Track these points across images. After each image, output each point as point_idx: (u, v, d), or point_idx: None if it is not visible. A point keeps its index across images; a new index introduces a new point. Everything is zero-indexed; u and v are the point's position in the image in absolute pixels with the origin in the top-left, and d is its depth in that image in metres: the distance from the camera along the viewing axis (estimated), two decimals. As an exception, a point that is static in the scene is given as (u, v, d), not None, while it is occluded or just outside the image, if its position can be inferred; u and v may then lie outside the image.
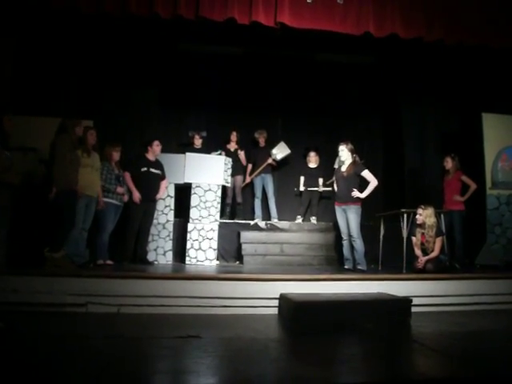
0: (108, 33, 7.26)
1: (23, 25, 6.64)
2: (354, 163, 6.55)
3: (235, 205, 8.69)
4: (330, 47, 7.82)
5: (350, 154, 6.52)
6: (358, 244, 6.28)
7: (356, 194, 6.29)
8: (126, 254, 6.73)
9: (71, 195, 5.53)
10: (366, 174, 6.44)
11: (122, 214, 6.75)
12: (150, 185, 6.88)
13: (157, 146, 7.00)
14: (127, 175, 6.80)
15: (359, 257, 6.30)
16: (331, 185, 7.26)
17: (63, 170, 5.44)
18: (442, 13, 6.55)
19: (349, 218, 6.35)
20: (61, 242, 5.44)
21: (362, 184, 6.49)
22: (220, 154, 8.01)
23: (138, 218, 6.80)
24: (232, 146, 8.59)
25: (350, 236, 6.36)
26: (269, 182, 8.73)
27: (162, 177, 7.08)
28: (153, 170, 6.93)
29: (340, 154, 6.57)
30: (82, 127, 5.83)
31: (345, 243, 6.51)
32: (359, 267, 6.26)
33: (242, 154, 8.57)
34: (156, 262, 7.04)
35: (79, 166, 5.72)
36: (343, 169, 6.54)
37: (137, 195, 6.71)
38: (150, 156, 7.00)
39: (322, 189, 8.69)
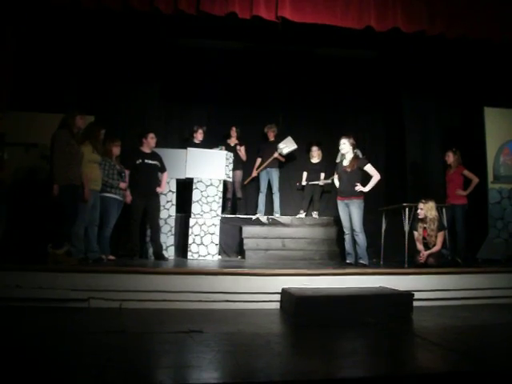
0: (109, 28, 7.26)
1: (24, 20, 6.62)
2: (356, 157, 6.55)
3: (236, 200, 8.70)
4: (332, 42, 7.80)
5: (351, 148, 6.53)
6: (361, 238, 6.29)
7: (359, 188, 6.29)
8: (134, 249, 6.73)
9: (72, 190, 5.47)
10: (369, 168, 6.45)
11: (124, 210, 6.77)
12: (147, 177, 6.82)
13: (151, 139, 6.93)
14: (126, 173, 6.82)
15: (361, 251, 6.30)
16: (332, 180, 7.24)
17: (62, 165, 5.37)
18: (444, 6, 6.50)
19: (351, 213, 6.36)
20: (63, 238, 5.44)
21: (364, 178, 6.50)
22: (221, 150, 8.00)
23: (139, 213, 6.77)
24: (232, 142, 8.60)
25: (352, 230, 6.37)
26: (274, 176, 8.72)
27: (161, 169, 7.04)
28: (148, 161, 6.87)
29: (341, 147, 6.56)
30: (82, 119, 5.71)
31: (347, 237, 6.53)
32: (361, 261, 6.27)
33: (241, 150, 8.56)
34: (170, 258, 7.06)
35: (81, 160, 5.64)
36: (345, 163, 6.54)
37: (129, 198, 6.73)
38: (145, 149, 6.94)
39: (323, 182, 8.68)
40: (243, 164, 8.70)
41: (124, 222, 6.84)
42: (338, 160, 8.07)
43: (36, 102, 7.09)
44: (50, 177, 5.47)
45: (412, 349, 3.53)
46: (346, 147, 6.52)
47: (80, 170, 5.62)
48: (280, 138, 8.79)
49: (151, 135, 6.95)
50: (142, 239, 7.04)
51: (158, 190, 6.97)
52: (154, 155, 6.99)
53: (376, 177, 6.42)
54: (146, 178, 6.82)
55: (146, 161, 6.87)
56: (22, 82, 7.03)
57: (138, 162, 6.84)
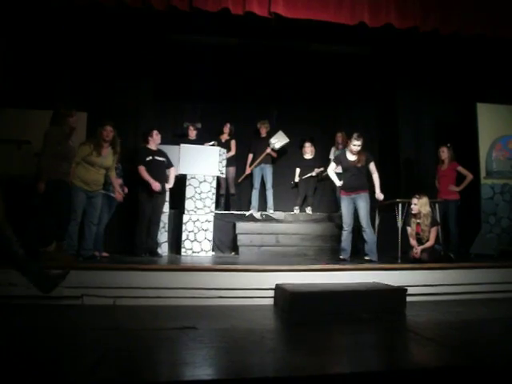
0: (101, 24, 7.23)
1: (16, 17, 6.58)
2: (365, 153, 6.48)
3: (229, 196, 8.70)
4: (326, 38, 7.77)
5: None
6: (369, 233, 6.27)
7: (379, 195, 6.35)
8: (139, 247, 6.66)
9: (62, 186, 5.37)
10: (372, 166, 6.45)
11: (124, 208, 6.76)
12: (157, 174, 6.76)
13: (156, 135, 6.89)
14: (142, 169, 6.66)
15: (369, 247, 6.27)
16: (326, 176, 7.21)
17: (52, 163, 5.27)
18: (438, 2, 6.52)
19: (359, 207, 6.30)
20: (49, 234, 5.34)
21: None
22: (214, 145, 7.98)
23: (148, 211, 6.73)
24: (224, 138, 8.58)
25: (359, 226, 6.35)
26: (268, 172, 8.72)
27: (168, 165, 7.00)
28: (157, 157, 6.85)
29: (357, 148, 6.42)
30: (75, 117, 5.55)
31: (345, 233, 6.42)
32: (369, 258, 6.24)
33: (231, 143, 8.54)
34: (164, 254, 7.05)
35: (72, 158, 5.57)
36: (351, 158, 6.45)
37: (156, 184, 6.60)
38: (152, 146, 6.89)
39: (316, 172, 8.66)
40: (236, 160, 8.68)
41: (128, 220, 6.83)
42: (331, 156, 8.07)
43: (29, 99, 7.04)
44: (37, 173, 5.36)
45: (405, 344, 3.54)
46: (359, 148, 6.45)
47: (69, 168, 5.52)
48: (272, 133, 8.78)
49: (155, 132, 6.90)
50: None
51: (167, 186, 6.93)
52: (160, 152, 6.96)
53: (377, 175, 6.44)
54: (157, 175, 6.75)
55: (155, 157, 6.83)
56: (15, 79, 6.99)
57: (148, 159, 6.79)
